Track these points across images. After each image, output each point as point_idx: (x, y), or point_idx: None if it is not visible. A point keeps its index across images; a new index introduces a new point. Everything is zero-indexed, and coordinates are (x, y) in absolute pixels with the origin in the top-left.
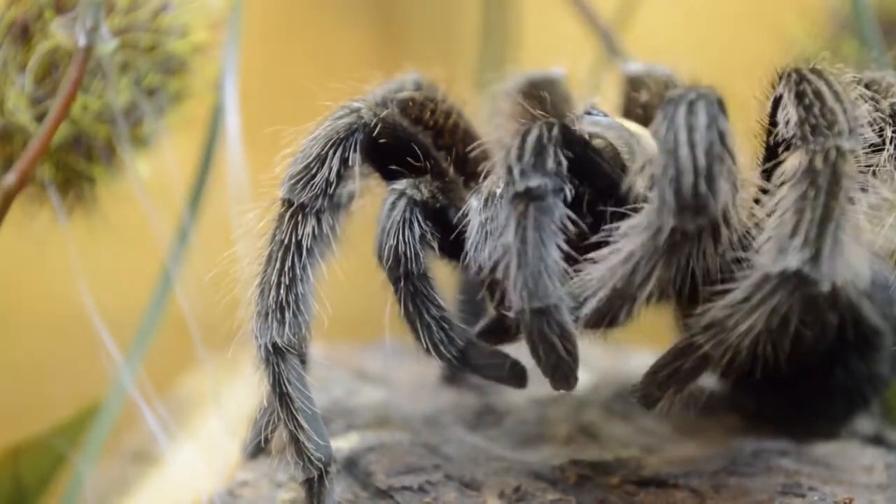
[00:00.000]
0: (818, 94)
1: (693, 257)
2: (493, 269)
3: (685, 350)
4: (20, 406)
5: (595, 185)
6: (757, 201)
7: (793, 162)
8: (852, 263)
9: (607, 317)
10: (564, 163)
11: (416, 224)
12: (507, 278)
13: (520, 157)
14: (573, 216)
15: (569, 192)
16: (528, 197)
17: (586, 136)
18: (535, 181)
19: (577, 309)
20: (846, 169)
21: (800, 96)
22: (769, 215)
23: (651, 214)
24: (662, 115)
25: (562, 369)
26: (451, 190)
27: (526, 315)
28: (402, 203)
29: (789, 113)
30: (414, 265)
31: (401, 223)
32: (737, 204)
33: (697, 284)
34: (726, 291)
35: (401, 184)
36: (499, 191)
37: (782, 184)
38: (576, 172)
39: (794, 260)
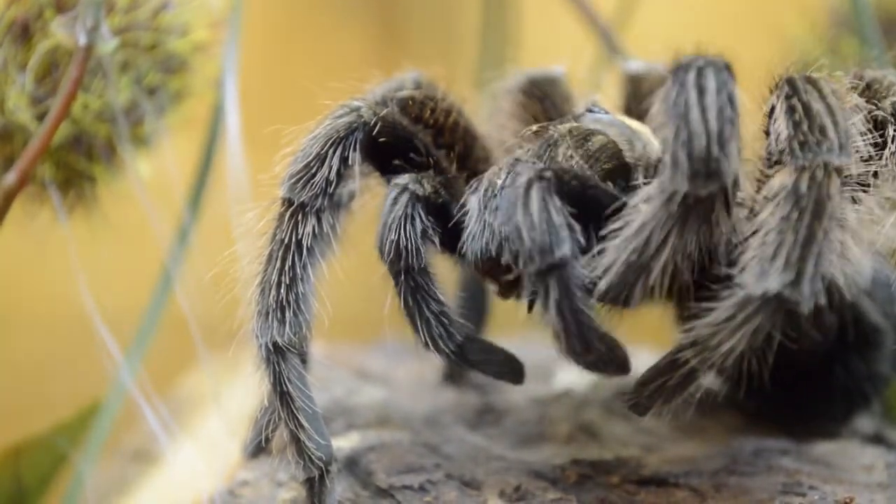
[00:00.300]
0: (808, 109)
1: (705, 228)
2: (493, 256)
3: (672, 365)
4: (20, 406)
5: (598, 220)
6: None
7: (780, 179)
8: (839, 275)
9: (622, 293)
10: (573, 222)
11: (417, 219)
12: (556, 339)
13: (531, 231)
14: (587, 264)
15: (581, 238)
16: (551, 268)
17: (577, 170)
18: (556, 254)
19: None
20: (832, 189)
21: (790, 110)
22: (755, 232)
23: (663, 181)
24: (672, 80)
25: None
26: (453, 185)
27: (581, 364)
28: (404, 198)
29: (780, 126)
30: (415, 260)
31: (402, 218)
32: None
33: (706, 267)
34: (711, 309)
35: (403, 179)
36: (499, 182)
37: (769, 200)
38: (579, 217)
39: (774, 282)
